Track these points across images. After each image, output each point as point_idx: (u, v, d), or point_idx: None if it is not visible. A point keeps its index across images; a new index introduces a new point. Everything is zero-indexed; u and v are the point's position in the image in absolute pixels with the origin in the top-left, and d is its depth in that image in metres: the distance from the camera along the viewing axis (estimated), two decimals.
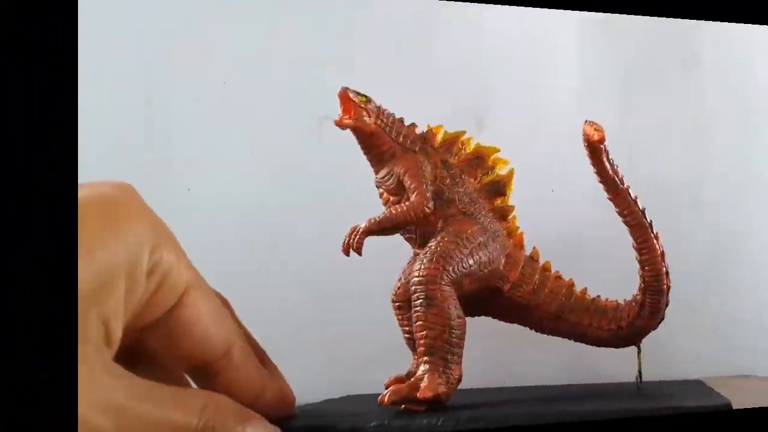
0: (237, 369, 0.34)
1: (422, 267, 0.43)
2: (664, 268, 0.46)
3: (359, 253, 0.44)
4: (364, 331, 0.61)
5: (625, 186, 0.45)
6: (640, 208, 0.45)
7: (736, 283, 0.64)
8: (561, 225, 0.60)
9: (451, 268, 0.43)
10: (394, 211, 0.45)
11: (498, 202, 0.48)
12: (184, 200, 0.63)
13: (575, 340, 0.49)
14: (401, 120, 0.47)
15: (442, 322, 0.42)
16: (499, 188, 0.48)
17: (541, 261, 0.48)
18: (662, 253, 0.46)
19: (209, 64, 0.65)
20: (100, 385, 0.27)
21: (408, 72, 0.64)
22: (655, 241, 0.46)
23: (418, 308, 0.42)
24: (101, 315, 0.28)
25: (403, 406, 0.41)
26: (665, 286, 0.46)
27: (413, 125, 0.47)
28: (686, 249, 0.62)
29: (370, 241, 0.45)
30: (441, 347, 0.42)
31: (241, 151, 0.65)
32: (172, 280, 0.30)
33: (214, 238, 0.61)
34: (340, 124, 0.44)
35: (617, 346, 0.48)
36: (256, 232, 0.64)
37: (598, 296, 0.49)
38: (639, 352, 0.49)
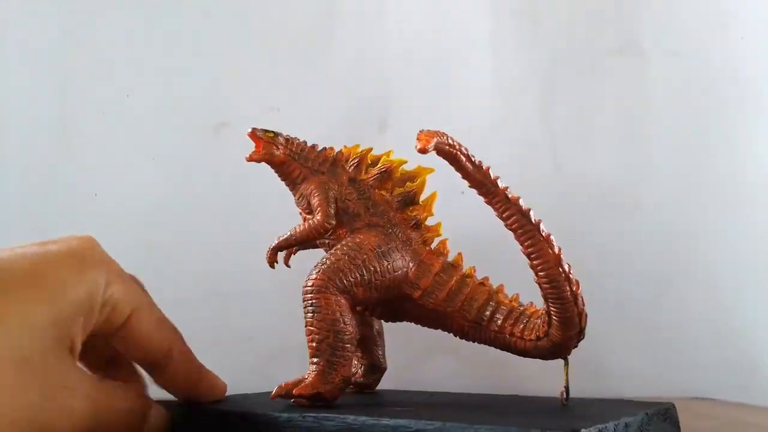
0: (178, 363, 0.45)
1: (310, 278, 0.46)
2: (563, 274, 0.41)
3: (272, 267, 0.50)
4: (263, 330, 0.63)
5: (501, 187, 0.42)
6: (524, 208, 0.42)
7: (685, 289, 0.50)
8: (479, 228, 0.54)
9: (337, 279, 0.46)
10: (298, 229, 0.50)
11: (414, 212, 0.49)
12: (91, 205, 0.69)
13: (506, 351, 0.46)
14: (313, 146, 0.51)
15: (327, 327, 0.45)
16: (410, 198, 0.49)
17: (478, 269, 0.47)
18: (558, 257, 0.41)
19: (112, 79, 0.71)
20: (71, 377, 0.39)
21: (306, 75, 0.64)
22: (545, 244, 0.41)
23: (307, 315, 0.46)
24: (69, 333, 0.38)
25: (292, 400, 0.45)
26: (567, 294, 0.41)
27: (326, 149, 0.51)
28: (625, 253, 0.52)
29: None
30: (326, 350, 0.45)
31: (142, 159, 0.70)
32: (120, 306, 0.41)
33: (118, 240, 0.63)
34: (250, 160, 0.50)
35: (545, 358, 0.45)
36: (157, 235, 0.68)
37: (531, 303, 0.45)
38: (566, 365, 0.44)
